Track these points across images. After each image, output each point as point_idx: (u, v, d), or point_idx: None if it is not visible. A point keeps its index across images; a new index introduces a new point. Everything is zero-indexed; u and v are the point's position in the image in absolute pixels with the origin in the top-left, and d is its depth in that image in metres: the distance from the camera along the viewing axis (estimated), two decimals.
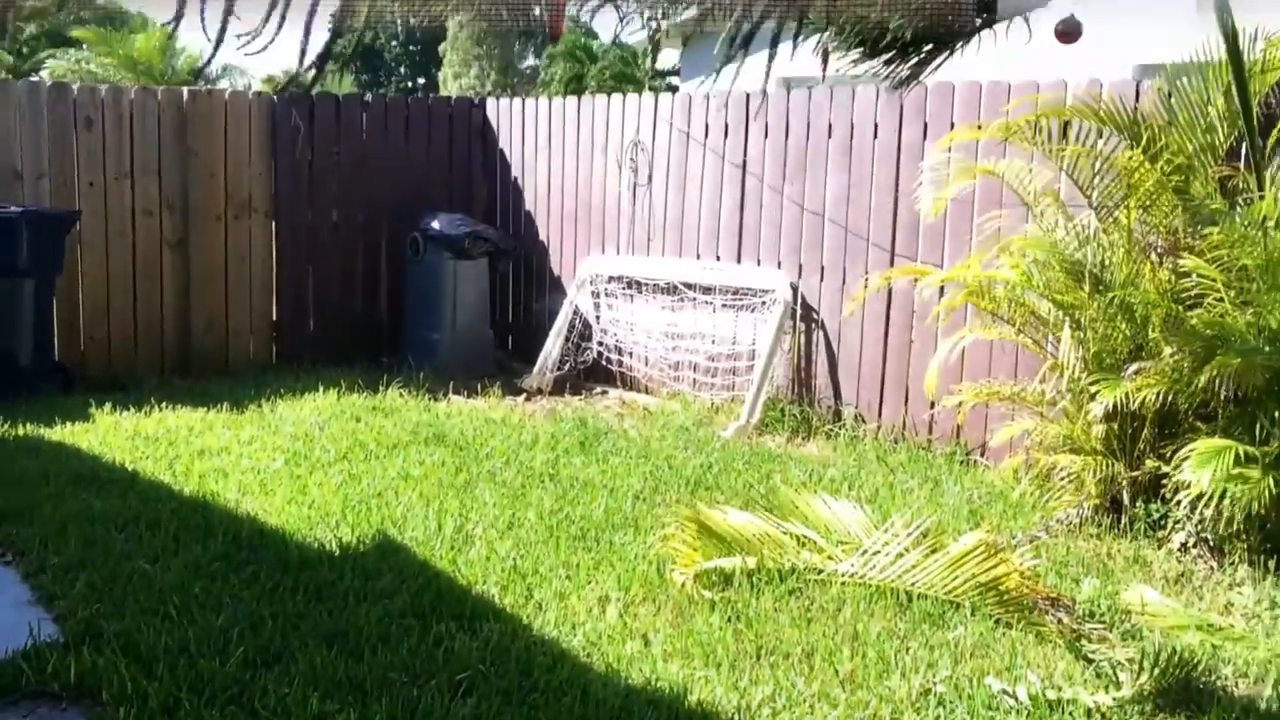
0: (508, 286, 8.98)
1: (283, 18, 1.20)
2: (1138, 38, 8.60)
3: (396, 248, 8.56)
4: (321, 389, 7.28)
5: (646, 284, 7.77)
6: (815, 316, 6.96)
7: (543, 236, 8.66)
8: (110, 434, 6.20)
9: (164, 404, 6.83)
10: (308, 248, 8.45)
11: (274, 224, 8.32)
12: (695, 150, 7.56)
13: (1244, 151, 4.83)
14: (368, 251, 8.69)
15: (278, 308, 8.42)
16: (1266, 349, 4.31)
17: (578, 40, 24.28)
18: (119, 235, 7.66)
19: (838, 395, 6.85)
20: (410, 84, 40.10)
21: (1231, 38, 4.53)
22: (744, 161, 7.27)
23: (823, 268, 6.90)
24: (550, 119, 8.53)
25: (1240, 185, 4.71)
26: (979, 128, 5.78)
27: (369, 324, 8.68)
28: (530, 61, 34.24)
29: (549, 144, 8.55)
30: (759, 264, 7.22)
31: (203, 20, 1.17)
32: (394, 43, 39.51)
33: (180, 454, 5.84)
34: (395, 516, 4.93)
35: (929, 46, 3.69)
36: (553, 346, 8.03)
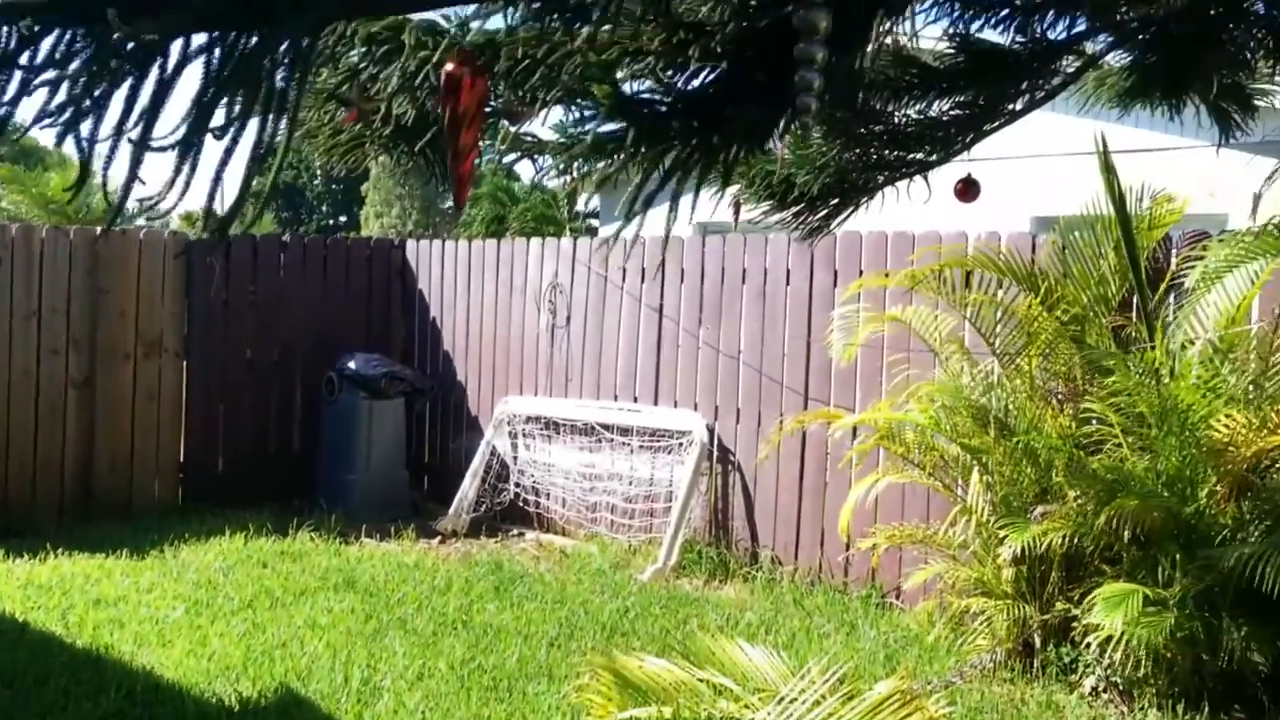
0: (424, 427, 8.91)
1: (186, 184, 1.21)
2: (1034, 191, 9.05)
3: (312, 387, 8.47)
4: (228, 532, 7.07)
5: (564, 425, 7.76)
6: (732, 458, 7.00)
7: (461, 377, 8.65)
8: (1, 583, 5.93)
9: (60, 550, 6.56)
10: (220, 386, 8.33)
11: (185, 362, 8.20)
12: (613, 293, 7.68)
13: (1135, 303, 5.05)
14: (282, 391, 8.59)
15: (186, 448, 8.22)
16: (1164, 493, 4.44)
17: (500, 182, 24.73)
18: (23, 374, 7.47)
19: (754, 537, 6.84)
20: (331, 221, 40.27)
21: (1118, 198, 4.78)
22: (661, 305, 7.40)
23: (739, 410, 6.99)
24: (470, 260, 8.62)
25: (1133, 334, 4.91)
26: (886, 275, 5.97)
27: (281, 465, 8.51)
28: (452, 202, 34.71)
29: (469, 285, 8.62)
30: (676, 406, 7.28)
31: (104, 186, 1.17)
32: (315, 180, 39.82)
33: (75, 603, 5.60)
34: (300, 668, 4.75)
35: (835, 200, 3.84)
36: (469, 488, 7.94)
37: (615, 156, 1.80)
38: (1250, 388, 4.51)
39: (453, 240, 9.16)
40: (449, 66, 1.42)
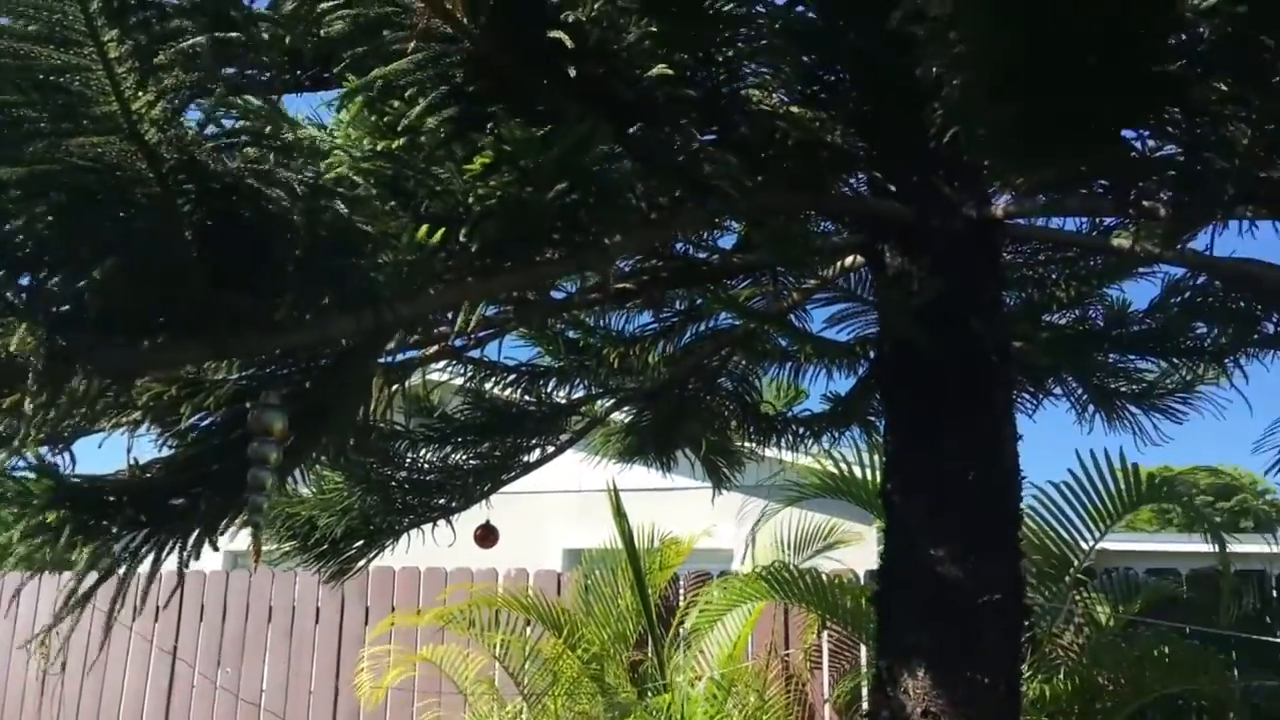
0: None
1: None
2: (567, 523, 9.50)
3: None
4: None
5: None
6: None
7: None
8: None
9: None
10: None
11: None
12: (120, 633, 6.91)
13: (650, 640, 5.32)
14: None
15: None
16: None
17: None
18: None
19: None
20: None
21: (630, 543, 5.09)
22: (175, 646, 6.75)
23: None
24: None
25: (649, 670, 5.13)
26: (419, 613, 5.89)
27: None
28: None
29: None
30: None
31: None
32: None
33: None
34: None
35: (359, 542, 3.78)
36: None
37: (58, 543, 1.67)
38: None
39: None
40: None
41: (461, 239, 1.42)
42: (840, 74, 2.12)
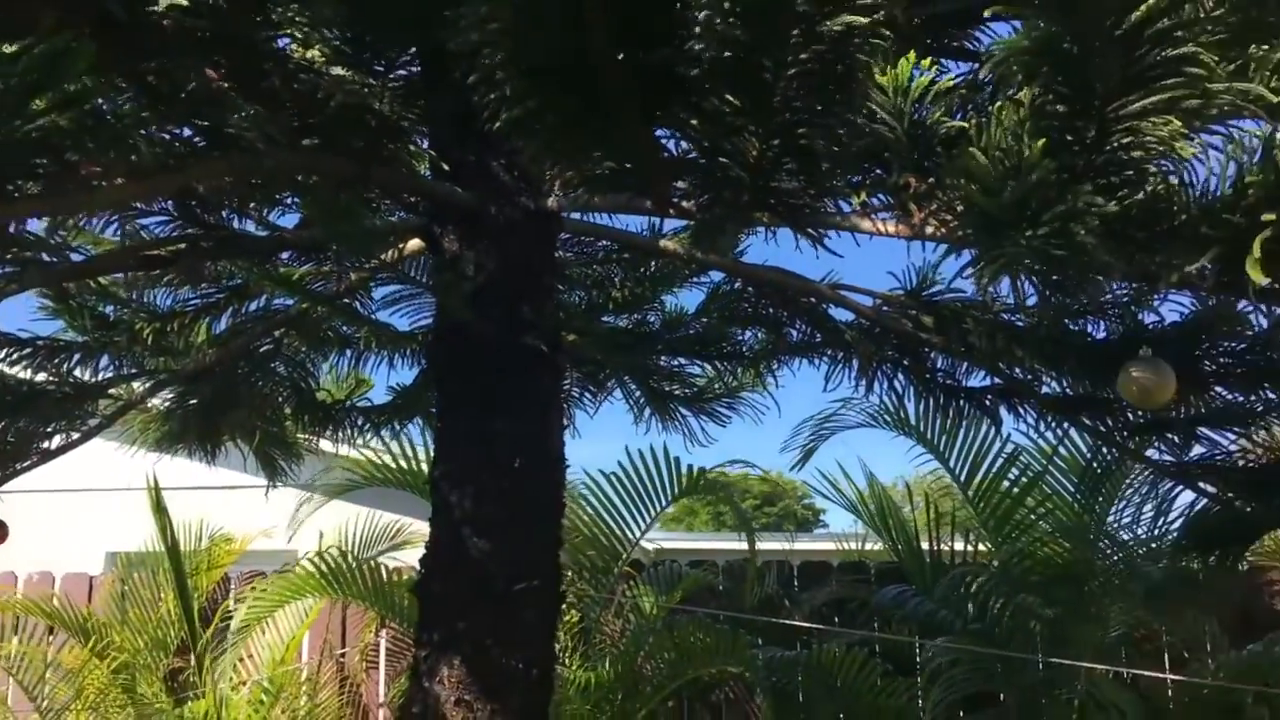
0: None
1: None
2: (114, 524, 8.66)
3: None
4: None
5: None
6: None
7: None
8: None
9: None
10: None
11: None
12: None
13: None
14: None
15: None
16: None
17: None
18: None
19: None
20: None
21: (172, 542, 4.71)
22: None
23: None
24: None
25: (191, 677, 4.76)
26: None
27: None
28: None
29: None
30: None
31: None
32: None
33: None
34: None
35: None
36: None
37: None
38: None
39: None
40: None
41: None
42: (393, 42, 2.05)
